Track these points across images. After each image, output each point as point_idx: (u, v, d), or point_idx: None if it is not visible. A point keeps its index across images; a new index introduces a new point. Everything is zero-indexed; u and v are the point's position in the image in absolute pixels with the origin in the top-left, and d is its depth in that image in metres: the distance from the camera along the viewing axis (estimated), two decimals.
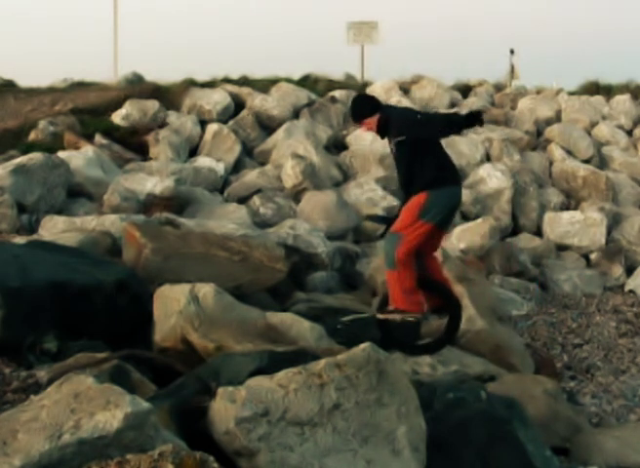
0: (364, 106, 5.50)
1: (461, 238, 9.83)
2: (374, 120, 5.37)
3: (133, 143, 10.94)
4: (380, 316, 5.42)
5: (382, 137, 5.50)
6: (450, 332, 5.54)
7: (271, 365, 3.59)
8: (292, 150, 10.57)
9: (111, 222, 7.45)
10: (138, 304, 5.01)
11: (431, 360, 5.62)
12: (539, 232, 11.43)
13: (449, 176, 5.34)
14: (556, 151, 13.12)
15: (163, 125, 11.50)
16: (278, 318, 5.12)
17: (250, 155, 11.72)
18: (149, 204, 8.71)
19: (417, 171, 5.25)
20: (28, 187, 8.35)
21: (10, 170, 8.31)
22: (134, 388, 3.53)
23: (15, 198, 8.03)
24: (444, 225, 5.46)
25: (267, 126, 12.23)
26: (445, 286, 5.54)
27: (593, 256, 10.98)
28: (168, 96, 12.54)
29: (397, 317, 5.30)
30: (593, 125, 14.39)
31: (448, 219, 5.47)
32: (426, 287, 5.39)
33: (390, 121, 5.31)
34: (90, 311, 4.77)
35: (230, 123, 11.93)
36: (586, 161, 13.20)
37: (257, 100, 12.40)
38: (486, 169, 11.73)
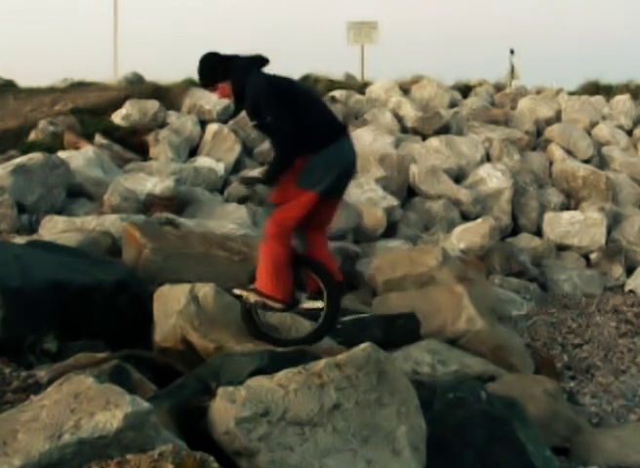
0: (215, 68, 4.65)
1: (461, 238, 9.83)
2: (228, 86, 4.60)
3: (133, 143, 10.94)
4: (237, 291, 4.64)
5: (238, 107, 4.79)
6: (328, 321, 4.65)
7: (271, 365, 3.59)
8: None
9: (111, 222, 7.46)
10: (138, 304, 5.01)
11: (431, 360, 5.63)
12: (539, 232, 11.43)
13: (328, 135, 4.55)
14: (556, 151, 13.12)
15: (163, 125, 11.50)
16: (278, 318, 5.11)
17: (250, 155, 11.72)
18: (149, 204, 8.71)
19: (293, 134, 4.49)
20: (28, 187, 8.35)
21: (10, 170, 8.32)
22: (134, 388, 3.53)
23: (15, 198, 8.03)
24: (332, 194, 4.62)
25: None
26: (325, 267, 4.67)
27: (593, 256, 10.99)
28: (168, 96, 12.54)
29: (252, 299, 4.54)
30: (593, 125, 14.40)
31: (337, 186, 4.62)
32: (304, 267, 4.65)
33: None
34: (90, 311, 4.77)
35: (230, 123, 11.92)
36: (586, 161, 13.20)
37: None
38: (486, 169, 11.73)
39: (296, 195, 4.45)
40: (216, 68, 4.65)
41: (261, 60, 4.67)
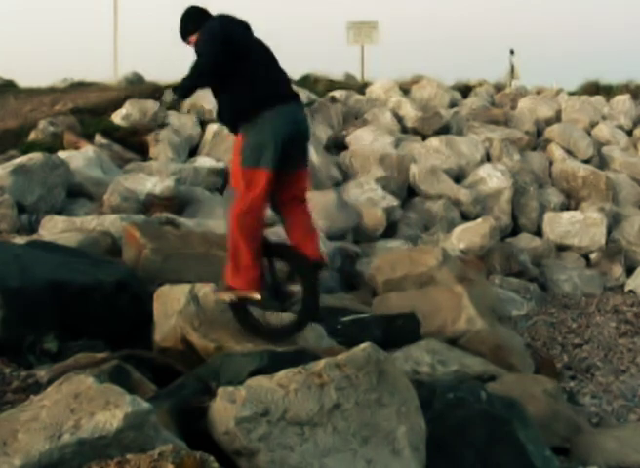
0: (189, 20, 4.56)
1: (461, 238, 9.83)
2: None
3: (133, 143, 10.93)
4: (216, 294, 4.48)
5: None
6: (307, 306, 4.39)
7: (271, 365, 3.59)
8: None
9: (111, 222, 7.45)
10: (138, 304, 5.00)
11: (431, 360, 5.63)
12: (539, 232, 11.43)
13: (264, 101, 4.21)
14: (556, 151, 13.12)
15: (163, 125, 11.50)
16: (278, 318, 5.11)
17: None
18: (149, 204, 8.70)
19: (229, 102, 4.31)
20: (28, 187, 8.35)
21: (10, 170, 8.31)
22: (134, 388, 3.53)
23: (15, 198, 8.03)
24: (288, 165, 4.27)
25: None
26: (294, 250, 4.38)
27: (593, 256, 10.99)
28: None
29: (227, 298, 4.35)
30: (593, 125, 14.40)
31: (288, 156, 4.24)
32: (273, 254, 4.42)
33: None
34: (90, 311, 4.77)
35: None
36: (586, 161, 13.20)
37: None
38: (486, 169, 11.73)
39: (246, 175, 4.19)
40: (189, 21, 4.56)
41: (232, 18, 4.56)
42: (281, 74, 4.52)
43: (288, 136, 4.22)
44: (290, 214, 4.43)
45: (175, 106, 4.69)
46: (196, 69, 4.27)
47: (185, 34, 4.60)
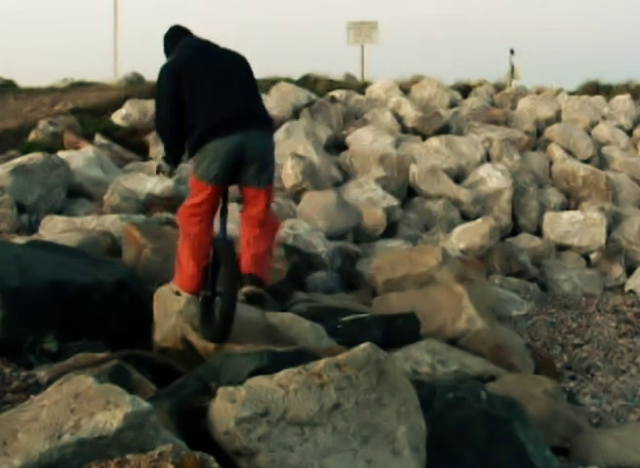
0: (166, 42, 4.74)
1: (461, 238, 9.83)
2: None
3: (133, 143, 10.94)
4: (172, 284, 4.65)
5: None
6: (221, 317, 4.27)
7: (271, 365, 3.59)
8: (292, 150, 10.56)
9: (111, 222, 7.46)
10: (138, 304, 5.01)
11: (431, 360, 5.63)
12: (539, 232, 11.42)
13: (210, 132, 4.35)
14: (556, 151, 13.11)
15: None
16: (278, 318, 5.12)
17: None
18: (149, 204, 8.71)
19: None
20: (28, 187, 8.35)
21: (10, 170, 8.32)
22: (134, 388, 3.53)
23: (15, 198, 8.04)
24: (242, 181, 4.42)
25: None
26: (230, 256, 4.37)
27: (593, 256, 10.98)
28: None
29: (174, 289, 4.56)
30: (593, 125, 14.40)
31: (236, 175, 4.39)
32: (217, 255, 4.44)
33: None
34: (90, 311, 4.77)
35: None
36: (586, 161, 13.20)
37: None
38: (486, 169, 11.73)
39: (193, 183, 4.48)
40: (166, 43, 4.74)
41: (181, 33, 4.70)
42: (236, 98, 4.50)
43: (233, 159, 4.35)
44: (244, 232, 4.51)
45: (173, 171, 4.86)
46: (159, 134, 4.71)
47: (167, 54, 4.75)
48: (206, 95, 4.40)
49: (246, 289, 4.31)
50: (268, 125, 4.61)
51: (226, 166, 4.35)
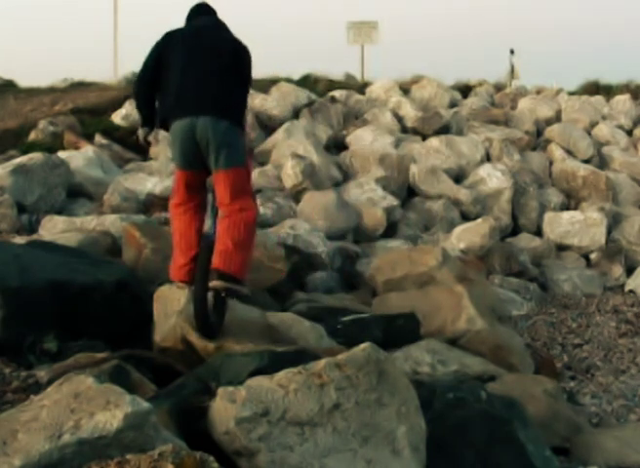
0: (188, 15, 4.98)
1: (461, 238, 9.83)
2: None
3: (133, 143, 10.92)
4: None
5: None
6: (194, 314, 4.31)
7: (271, 365, 3.59)
8: (292, 150, 10.57)
9: (111, 222, 7.46)
10: (138, 304, 5.00)
11: (431, 360, 5.63)
12: (539, 232, 11.42)
13: (171, 112, 4.53)
14: (556, 151, 13.11)
15: None
16: (278, 318, 5.12)
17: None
18: (149, 204, 8.71)
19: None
20: (28, 187, 8.35)
21: (10, 170, 8.31)
22: (134, 388, 3.53)
23: (15, 198, 8.03)
24: (201, 167, 4.53)
25: (267, 126, 12.23)
26: (206, 251, 4.45)
27: (593, 256, 10.98)
28: None
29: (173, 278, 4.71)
30: (593, 125, 14.40)
31: (195, 158, 4.50)
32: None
33: None
34: (90, 311, 4.76)
35: None
36: (586, 161, 13.19)
37: (257, 100, 12.40)
38: (486, 169, 11.73)
39: (175, 173, 4.74)
40: (186, 18, 4.95)
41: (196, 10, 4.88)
42: (199, 83, 4.53)
43: (188, 142, 4.46)
44: (219, 219, 4.54)
45: (147, 136, 4.96)
46: (133, 95, 4.92)
47: None
48: (175, 74, 4.53)
49: (212, 284, 4.28)
50: (229, 113, 4.53)
51: (186, 149, 4.49)
